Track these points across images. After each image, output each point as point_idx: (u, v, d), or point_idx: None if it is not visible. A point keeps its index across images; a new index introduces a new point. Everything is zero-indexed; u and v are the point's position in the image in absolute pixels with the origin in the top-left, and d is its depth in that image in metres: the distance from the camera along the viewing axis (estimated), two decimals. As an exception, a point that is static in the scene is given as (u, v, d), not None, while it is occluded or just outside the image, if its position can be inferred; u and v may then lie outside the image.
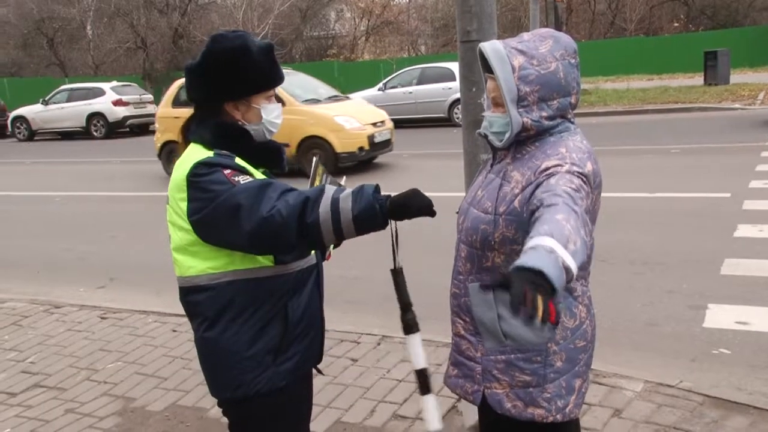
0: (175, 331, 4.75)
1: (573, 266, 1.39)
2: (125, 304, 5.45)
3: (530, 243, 1.43)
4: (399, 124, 18.20)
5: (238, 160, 1.90)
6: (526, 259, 1.34)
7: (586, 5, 37.69)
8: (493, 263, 1.84)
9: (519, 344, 1.83)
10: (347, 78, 30.90)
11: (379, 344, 4.26)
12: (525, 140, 1.83)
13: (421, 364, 1.97)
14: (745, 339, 4.14)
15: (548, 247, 1.38)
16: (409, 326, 1.96)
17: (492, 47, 1.80)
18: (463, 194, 3.37)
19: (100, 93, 21.70)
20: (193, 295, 1.92)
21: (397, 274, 1.96)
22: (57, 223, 9.03)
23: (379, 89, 18.66)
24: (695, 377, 3.68)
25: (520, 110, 1.77)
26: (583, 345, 1.87)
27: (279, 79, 2.00)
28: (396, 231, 1.89)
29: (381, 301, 5.04)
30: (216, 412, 3.58)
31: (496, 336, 1.86)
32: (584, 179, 1.71)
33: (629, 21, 35.98)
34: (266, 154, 2.01)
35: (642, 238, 6.20)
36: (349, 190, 1.78)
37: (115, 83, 23.04)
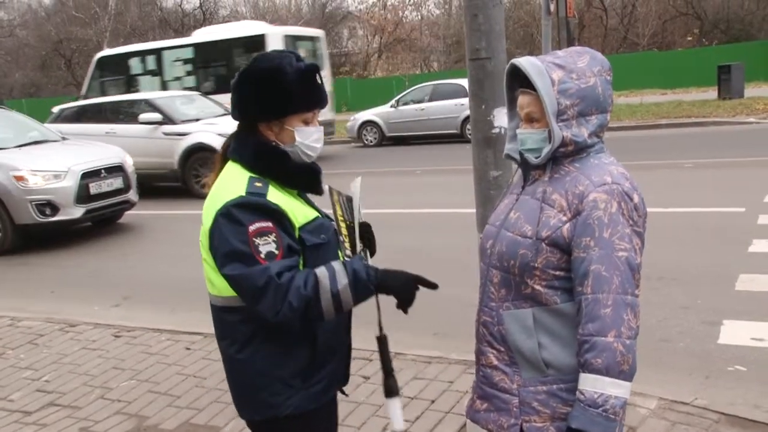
0: (188, 349, 4.77)
1: (625, 392, 1.65)
2: (139, 322, 5.48)
3: (581, 383, 1.67)
4: (412, 140, 18.37)
5: (271, 192, 1.87)
6: (580, 423, 1.65)
7: (598, 20, 37.71)
8: (534, 290, 1.77)
9: (561, 374, 1.76)
10: (360, 95, 31.09)
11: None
12: (561, 158, 1.79)
13: (400, 426, 2.03)
14: (761, 356, 4.09)
15: (600, 401, 1.63)
16: (391, 390, 2.03)
17: (528, 62, 1.77)
18: (473, 210, 3.38)
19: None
20: (227, 314, 1.94)
21: (382, 342, 2.04)
22: (70, 239, 9.10)
23: (391, 106, 18.79)
24: (710, 394, 3.64)
25: (561, 124, 1.74)
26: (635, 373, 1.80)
27: (318, 102, 1.97)
28: (378, 301, 1.98)
29: (392, 318, 5.03)
30: (229, 430, 3.59)
31: (536, 365, 1.79)
32: (636, 213, 1.72)
33: (642, 36, 35.94)
34: (303, 177, 1.99)
35: (656, 254, 6.13)
36: (345, 281, 1.82)
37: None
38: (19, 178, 8.31)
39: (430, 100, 17.99)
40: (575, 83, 1.73)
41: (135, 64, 18.01)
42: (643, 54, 31.85)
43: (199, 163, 11.43)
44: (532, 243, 1.75)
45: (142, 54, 18.07)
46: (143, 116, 11.79)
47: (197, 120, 12.03)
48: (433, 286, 1.94)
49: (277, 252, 1.81)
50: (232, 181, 1.90)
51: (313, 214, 1.97)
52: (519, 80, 1.81)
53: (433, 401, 3.69)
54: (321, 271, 1.83)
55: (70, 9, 40.15)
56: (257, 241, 1.80)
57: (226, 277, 1.84)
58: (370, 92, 30.55)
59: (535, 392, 1.79)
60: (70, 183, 8.51)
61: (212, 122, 11.79)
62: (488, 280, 1.88)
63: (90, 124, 12.36)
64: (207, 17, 40.99)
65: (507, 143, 1.93)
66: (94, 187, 8.80)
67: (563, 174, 1.78)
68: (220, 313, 1.97)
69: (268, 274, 1.77)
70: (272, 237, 1.81)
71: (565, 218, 1.73)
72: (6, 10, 44.62)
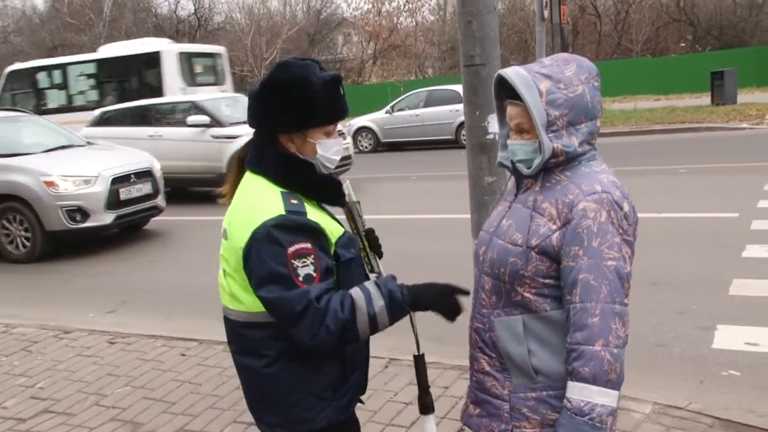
0: (183, 355, 4.77)
1: (612, 400, 1.65)
2: (134, 328, 5.47)
3: (569, 390, 1.68)
4: (407, 146, 18.41)
5: (308, 209, 1.84)
6: (565, 430, 1.66)
7: (592, 27, 37.90)
8: (524, 298, 1.78)
9: (550, 381, 1.77)
10: (355, 101, 31.05)
11: (386, 367, 4.26)
12: (553, 167, 1.79)
13: None
14: (755, 360, 4.11)
15: (586, 410, 1.64)
16: (427, 408, 2.04)
17: (516, 73, 1.76)
18: (468, 216, 3.40)
19: None
20: (252, 330, 1.89)
21: (419, 360, 2.04)
22: (68, 245, 9.07)
23: (386, 112, 18.85)
24: (704, 399, 3.66)
25: (550, 135, 1.74)
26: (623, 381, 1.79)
27: (341, 114, 1.93)
28: (413, 319, 1.98)
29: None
30: (224, 436, 3.58)
31: (526, 372, 1.79)
32: (626, 221, 1.72)
33: (635, 42, 36.12)
34: (328, 189, 1.96)
35: (651, 259, 6.17)
36: (381, 303, 1.81)
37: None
38: (50, 184, 8.12)
39: (425, 106, 18.06)
40: (563, 93, 1.73)
41: (42, 78, 18.56)
42: (637, 60, 32.01)
43: None
44: (522, 251, 1.76)
45: (49, 68, 18.66)
46: (191, 118, 11.44)
47: (245, 122, 11.76)
48: (465, 292, 1.92)
49: (315, 275, 1.77)
50: (264, 197, 1.84)
51: (341, 228, 1.94)
52: (507, 90, 1.81)
53: (428, 407, 3.69)
54: (357, 293, 1.81)
55: (64, 15, 40.11)
56: (296, 263, 1.76)
57: (263, 300, 1.79)
58: (365, 98, 30.56)
59: (525, 398, 1.80)
60: (101, 188, 8.31)
61: None
62: (480, 287, 1.89)
63: (133, 128, 12.15)
64: (202, 24, 41.07)
65: (500, 151, 1.93)
66: (124, 193, 8.58)
67: (554, 183, 1.79)
68: (243, 328, 1.91)
69: (307, 298, 1.74)
70: (311, 259, 1.78)
71: (554, 227, 1.73)
72: (0, 17, 44.60)
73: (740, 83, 21.72)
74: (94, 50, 38.52)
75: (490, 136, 3.15)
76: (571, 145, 1.75)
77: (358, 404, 2.13)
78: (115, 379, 4.47)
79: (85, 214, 8.25)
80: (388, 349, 4.47)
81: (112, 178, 8.45)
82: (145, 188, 8.95)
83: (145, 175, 9.02)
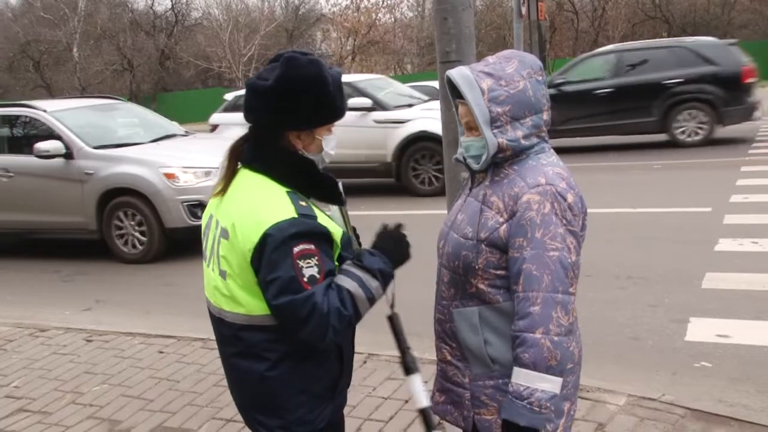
0: (161, 352, 4.75)
1: (554, 386, 1.71)
2: (111, 326, 5.44)
3: (513, 376, 1.74)
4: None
5: (317, 213, 1.84)
6: (508, 414, 1.73)
7: (569, 23, 38.17)
8: (477, 289, 1.84)
9: (506, 369, 1.81)
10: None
11: (365, 362, 4.27)
12: (502, 162, 1.84)
13: (423, 402, 1.99)
14: (726, 352, 4.20)
15: (525, 394, 1.70)
16: (409, 368, 2.00)
17: (459, 73, 1.83)
18: (445, 212, 3.42)
19: None
20: (251, 333, 1.86)
21: (394, 320, 2.03)
22: (43, 244, 8.97)
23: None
24: (677, 390, 3.73)
25: (495, 131, 1.79)
26: (570, 367, 1.84)
27: (344, 110, 1.94)
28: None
29: (367, 318, 5.05)
30: (202, 433, 3.58)
31: (483, 361, 1.86)
32: (570, 212, 1.76)
33: (612, 38, 36.37)
34: (329, 187, 1.95)
35: (625, 253, 6.26)
36: (375, 283, 1.84)
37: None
38: (170, 176, 7.34)
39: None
40: (504, 90, 1.79)
41: None
42: (613, 57, 32.25)
43: (420, 154, 9.89)
44: (473, 245, 1.82)
45: None
46: (353, 101, 9.58)
47: (410, 106, 10.50)
48: (400, 224, 2.02)
49: (318, 276, 1.76)
50: (271, 198, 1.81)
51: (339, 228, 1.92)
52: (457, 90, 1.86)
53: (406, 401, 3.72)
54: (350, 284, 1.81)
55: (38, 10, 39.50)
56: (301, 263, 1.75)
57: (273, 306, 1.77)
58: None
59: (484, 387, 1.88)
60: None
61: (429, 107, 10.17)
62: (441, 279, 1.97)
63: None
64: (179, 19, 40.68)
65: (458, 147, 1.99)
66: None
67: (502, 177, 1.84)
68: (242, 331, 1.87)
69: (312, 302, 1.74)
70: (315, 260, 1.77)
71: (502, 219, 1.79)
72: (-28, 11, 43.83)
73: (714, 80, 21.97)
74: (69, 46, 37.86)
75: (466, 132, 3.17)
76: (516, 138, 1.80)
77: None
78: (92, 377, 4.44)
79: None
80: (367, 345, 4.48)
81: None
82: None
83: None
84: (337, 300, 1.77)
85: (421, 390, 1.99)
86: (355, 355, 4.31)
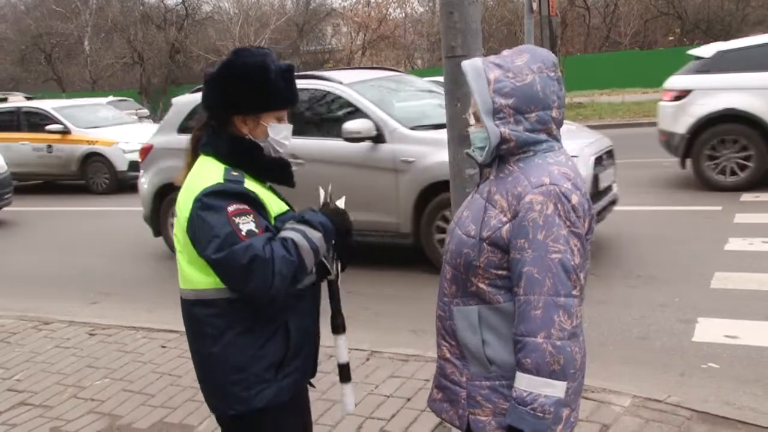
0: (163, 347, 4.73)
1: (558, 391, 1.67)
2: (114, 320, 5.43)
3: (516, 381, 1.70)
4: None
5: (248, 182, 1.94)
6: (512, 420, 1.70)
7: (580, 19, 37.88)
8: (478, 288, 1.81)
9: (503, 371, 1.79)
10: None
11: (368, 360, 4.24)
12: (507, 156, 1.80)
13: (344, 359, 2.21)
14: (734, 353, 4.13)
15: (528, 400, 1.67)
16: (338, 327, 2.19)
17: (471, 64, 1.82)
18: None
19: None
20: (199, 308, 1.95)
21: (332, 285, 2.16)
22: (51, 238, 9.01)
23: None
24: (684, 392, 3.67)
25: (497, 122, 1.76)
26: (573, 372, 1.76)
27: (293, 100, 2.05)
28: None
29: (371, 317, 5.03)
30: (204, 428, 3.56)
31: (480, 361, 1.83)
32: (574, 213, 1.71)
33: (624, 35, 36.15)
34: (275, 170, 2.07)
35: (635, 252, 6.20)
36: (318, 234, 1.94)
37: (111, 98, 23.06)
38: None
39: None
40: (511, 81, 1.76)
41: None
42: (625, 53, 32.02)
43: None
44: (475, 243, 1.79)
45: None
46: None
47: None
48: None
49: (257, 231, 1.84)
50: (207, 172, 1.93)
51: (285, 206, 2.05)
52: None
53: (409, 399, 3.68)
54: (293, 235, 1.90)
55: (50, 3, 39.55)
56: (237, 220, 1.84)
57: (212, 263, 1.84)
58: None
59: (480, 387, 1.84)
60: (585, 171, 5.67)
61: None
62: (443, 276, 1.94)
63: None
64: (190, 13, 40.68)
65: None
66: (603, 180, 6.14)
67: (507, 174, 1.81)
68: (192, 307, 1.97)
69: (252, 251, 1.80)
70: (251, 217, 1.86)
71: (505, 219, 1.75)
72: (-16, 4, 44.04)
73: (727, 77, 21.75)
74: (80, 39, 38.06)
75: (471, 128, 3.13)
76: (517, 130, 1.77)
77: (311, 388, 2.22)
78: (94, 371, 4.42)
79: None
80: (370, 342, 4.46)
81: (594, 158, 5.93)
82: (610, 174, 6.46)
83: (611, 156, 6.55)
84: (281, 248, 1.85)
85: (345, 348, 2.19)
86: (358, 352, 4.33)
